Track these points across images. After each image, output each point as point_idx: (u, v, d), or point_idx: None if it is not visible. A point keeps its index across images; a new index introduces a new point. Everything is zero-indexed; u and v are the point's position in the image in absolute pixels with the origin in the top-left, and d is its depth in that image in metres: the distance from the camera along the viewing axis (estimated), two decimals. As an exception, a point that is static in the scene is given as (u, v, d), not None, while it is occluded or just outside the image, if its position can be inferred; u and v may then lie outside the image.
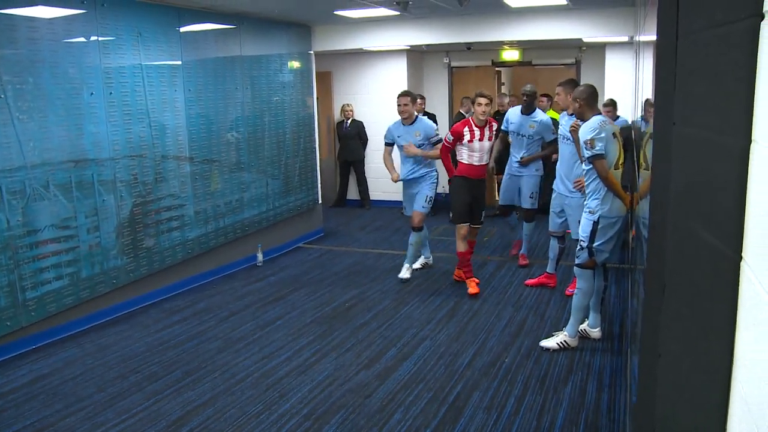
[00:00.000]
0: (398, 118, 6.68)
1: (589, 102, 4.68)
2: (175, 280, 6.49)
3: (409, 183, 6.84)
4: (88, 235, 5.41)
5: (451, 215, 7.12)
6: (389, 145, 6.85)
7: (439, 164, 6.74)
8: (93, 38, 5.42)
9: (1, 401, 4.23)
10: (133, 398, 4.20)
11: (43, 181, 5.02)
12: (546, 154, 6.88)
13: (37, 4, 4.99)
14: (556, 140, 6.30)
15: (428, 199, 6.68)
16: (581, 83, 5.76)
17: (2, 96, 4.72)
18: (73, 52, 5.27)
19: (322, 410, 3.98)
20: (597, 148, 4.48)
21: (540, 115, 6.85)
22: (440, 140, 6.49)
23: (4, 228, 4.77)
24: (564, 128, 5.64)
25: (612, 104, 7.32)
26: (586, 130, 4.54)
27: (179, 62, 6.33)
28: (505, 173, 7.07)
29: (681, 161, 1.51)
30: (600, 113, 4.69)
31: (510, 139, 7.01)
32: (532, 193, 6.90)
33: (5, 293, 4.81)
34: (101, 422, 3.89)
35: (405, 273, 6.73)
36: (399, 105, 6.60)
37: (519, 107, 6.94)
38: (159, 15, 6.07)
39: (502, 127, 6.99)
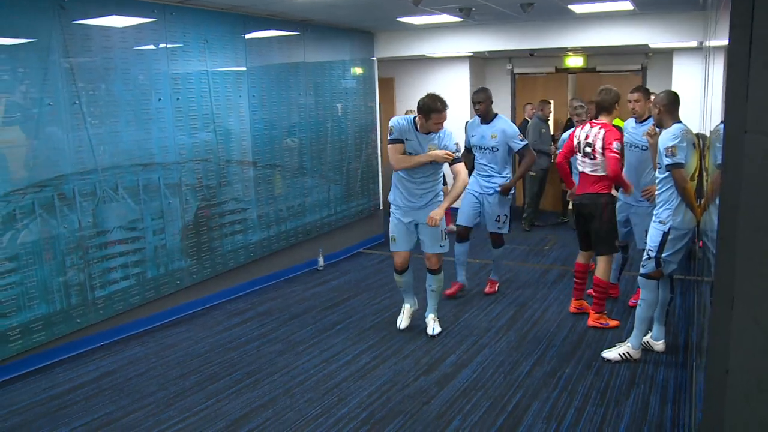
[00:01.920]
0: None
1: (669, 109, 4.54)
2: (238, 282, 6.59)
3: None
4: (154, 236, 5.55)
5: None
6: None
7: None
8: (162, 45, 5.57)
9: (70, 395, 4.37)
10: (195, 397, 4.27)
11: (112, 183, 5.17)
12: (524, 169, 6.16)
13: (110, 14, 5.16)
14: (527, 146, 5.95)
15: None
16: (650, 90, 5.62)
17: (77, 102, 4.89)
18: (143, 59, 5.43)
19: (380, 415, 3.96)
20: (678, 156, 4.32)
21: (501, 123, 6.02)
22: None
23: (76, 228, 4.93)
24: (633, 135, 5.49)
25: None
26: (667, 138, 4.39)
27: (244, 68, 6.45)
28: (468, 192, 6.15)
29: (753, 170, 1.44)
30: (680, 121, 4.55)
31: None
32: (499, 216, 6.12)
33: (76, 291, 4.97)
34: (163, 419, 3.96)
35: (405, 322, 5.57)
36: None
37: (477, 117, 6.15)
38: (225, 22, 6.19)
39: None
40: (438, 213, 4.98)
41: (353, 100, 8.27)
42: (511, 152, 6.03)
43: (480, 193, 6.11)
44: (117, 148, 5.20)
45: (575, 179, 5.59)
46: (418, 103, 4.94)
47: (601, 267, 5.31)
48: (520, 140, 5.97)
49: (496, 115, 6.04)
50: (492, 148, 5.99)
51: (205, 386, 4.44)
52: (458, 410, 4.00)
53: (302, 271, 7.48)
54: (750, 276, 1.43)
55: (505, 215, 6.10)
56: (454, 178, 5.05)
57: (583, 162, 5.32)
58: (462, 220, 6.20)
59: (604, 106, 5.26)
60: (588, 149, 5.24)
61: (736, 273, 1.59)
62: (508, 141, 5.94)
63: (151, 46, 5.50)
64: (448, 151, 4.96)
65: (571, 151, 5.45)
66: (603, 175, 5.21)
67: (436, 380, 4.45)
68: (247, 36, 6.48)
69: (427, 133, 4.99)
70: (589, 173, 5.28)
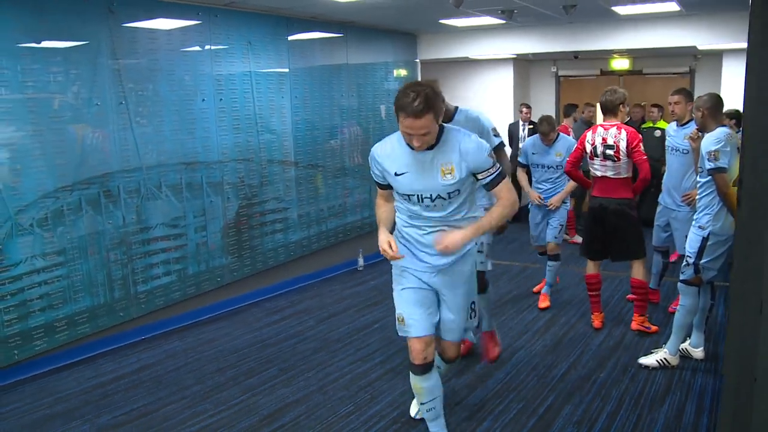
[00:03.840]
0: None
1: (713, 112, 4.46)
2: (277, 280, 6.69)
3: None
4: (195, 234, 5.69)
5: None
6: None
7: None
8: (206, 47, 5.71)
9: (112, 385, 4.52)
10: (230, 391, 4.36)
11: (156, 181, 5.32)
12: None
13: (157, 17, 5.32)
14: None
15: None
16: (695, 93, 5.51)
17: (123, 102, 5.05)
18: (188, 60, 5.57)
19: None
20: (721, 161, 4.24)
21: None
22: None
23: (120, 225, 5.09)
24: (674, 139, 5.40)
25: (734, 116, 6.54)
26: (710, 141, 4.31)
27: (287, 70, 6.56)
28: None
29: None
30: (725, 125, 4.46)
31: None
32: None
33: (119, 286, 5.13)
34: (200, 411, 4.07)
35: None
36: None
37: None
38: (268, 24, 6.31)
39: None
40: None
41: (395, 101, 8.30)
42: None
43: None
44: (161, 147, 5.35)
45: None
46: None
47: (639, 269, 5.21)
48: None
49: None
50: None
51: (241, 381, 4.53)
52: (489, 411, 4.00)
53: (342, 270, 7.55)
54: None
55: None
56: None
57: (603, 166, 5.11)
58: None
59: (609, 108, 5.10)
60: (610, 152, 5.06)
61: (765, 278, 1.57)
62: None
63: (196, 48, 5.65)
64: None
65: (580, 159, 5.28)
66: (626, 178, 5.09)
67: (469, 381, 4.45)
68: (290, 37, 6.59)
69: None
70: (612, 177, 5.10)
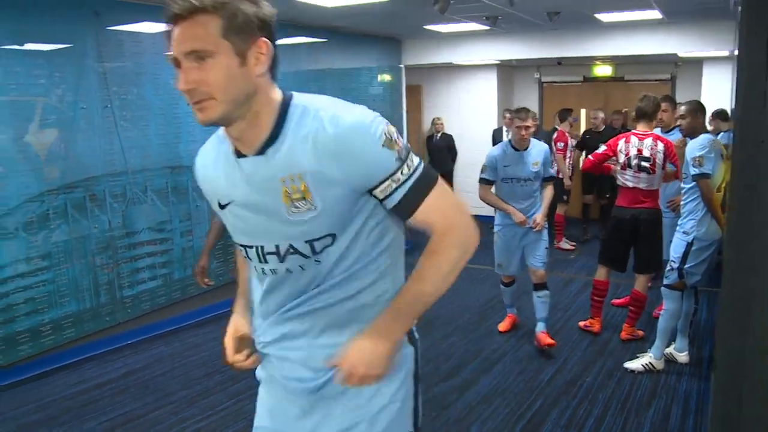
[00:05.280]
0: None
1: (697, 118, 4.54)
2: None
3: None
4: (181, 238, 5.67)
5: None
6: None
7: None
8: (192, 51, 5.69)
9: (97, 391, 4.48)
10: (217, 397, 4.35)
11: (142, 185, 5.30)
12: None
13: (142, 21, 5.31)
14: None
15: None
16: (677, 100, 5.58)
17: (108, 106, 5.03)
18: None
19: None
20: (705, 167, 4.30)
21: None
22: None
23: (106, 229, 5.06)
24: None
25: (720, 114, 6.69)
26: (694, 147, 4.38)
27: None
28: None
29: None
30: (708, 131, 4.52)
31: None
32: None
33: (105, 290, 5.10)
34: (186, 417, 4.05)
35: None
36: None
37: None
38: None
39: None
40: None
41: (381, 107, 8.33)
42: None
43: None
44: (147, 152, 5.34)
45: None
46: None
47: (644, 282, 5.16)
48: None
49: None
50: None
51: (228, 386, 4.51)
52: (477, 416, 4.02)
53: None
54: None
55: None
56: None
57: (636, 177, 4.94)
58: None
59: (647, 113, 4.96)
60: (645, 164, 4.91)
61: (754, 283, 1.60)
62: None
63: (180, 53, 5.63)
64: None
65: (602, 163, 5.18)
66: (655, 190, 5.00)
67: (456, 386, 4.47)
68: (276, 43, 6.58)
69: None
70: (644, 188, 4.94)
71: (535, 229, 4.94)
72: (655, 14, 6.51)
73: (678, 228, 4.55)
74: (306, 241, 1.53)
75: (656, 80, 10.19)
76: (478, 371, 4.72)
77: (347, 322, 1.63)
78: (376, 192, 1.51)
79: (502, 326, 5.59)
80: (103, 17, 4.98)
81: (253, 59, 1.46)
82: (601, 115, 8.84)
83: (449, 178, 10.71)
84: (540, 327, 5.09)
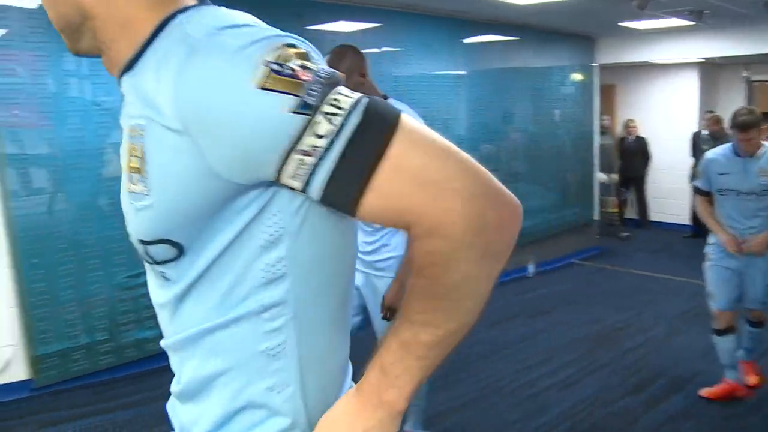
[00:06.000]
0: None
1: None
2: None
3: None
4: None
5: None
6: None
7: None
8: (385, 49, 6.00)
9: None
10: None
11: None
12: None
13: (339, 20, 5.62)
14: None
15: None
16: None
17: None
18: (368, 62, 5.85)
19: (581, 428, 3.91)
20: None
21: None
22: None
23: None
24: None
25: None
26: None
27: (464, 72, 6.71)
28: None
29: None
30: None
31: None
32: None
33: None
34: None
35: None
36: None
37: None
38: (444, 27, 6.48)
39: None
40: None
41: (572, 106, 8.15)
42: None
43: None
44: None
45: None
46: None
47: None
48: None
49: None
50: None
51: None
52: (664, 435, 3.84)
53: (512, 276, 7.49)
54: None
55: None
56: None
57: None
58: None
59: None
60: None
61: None
62: None
63: (375, 50, 5.89)
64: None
65: None
66: None
67: (643, 401, 4.28)
68: (466, 41, 6.73)
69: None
70: None
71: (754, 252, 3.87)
72: None
73: None
74: (140, 241, 0.94)
75: None
76: (668, 389, 4.46)
77: (205, 389, 0.98)
78: (284, 180, 0.84)
79: (710, 393, 4.30)
80: (304, 18, 5.32)
81: None
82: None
83: (641, 184, 10.19)
84: (742, 355, 4.23)
